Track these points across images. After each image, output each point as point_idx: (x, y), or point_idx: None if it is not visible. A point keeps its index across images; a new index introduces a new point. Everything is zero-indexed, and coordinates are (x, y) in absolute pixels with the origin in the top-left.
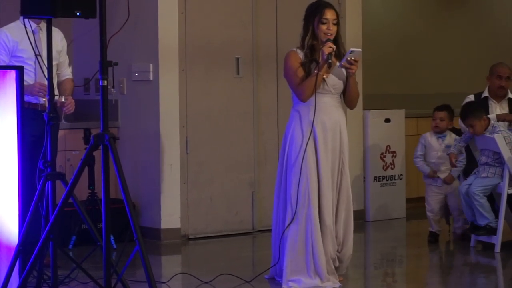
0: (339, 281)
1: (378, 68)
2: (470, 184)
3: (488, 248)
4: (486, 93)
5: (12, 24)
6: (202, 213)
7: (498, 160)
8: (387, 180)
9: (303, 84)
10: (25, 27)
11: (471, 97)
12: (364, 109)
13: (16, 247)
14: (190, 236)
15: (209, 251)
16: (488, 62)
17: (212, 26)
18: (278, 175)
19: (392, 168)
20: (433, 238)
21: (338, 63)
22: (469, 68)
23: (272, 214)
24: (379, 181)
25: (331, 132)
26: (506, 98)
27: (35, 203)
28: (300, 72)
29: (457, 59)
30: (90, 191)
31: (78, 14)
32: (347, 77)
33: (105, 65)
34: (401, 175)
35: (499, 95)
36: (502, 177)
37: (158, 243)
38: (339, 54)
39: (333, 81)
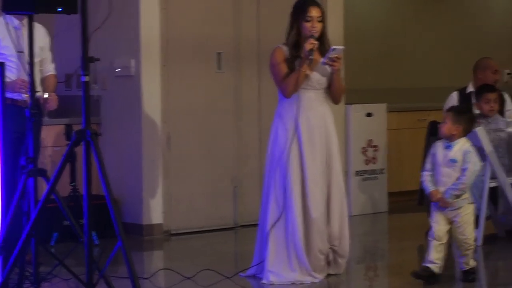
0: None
1: (359, 62)
2: None
3: None
4: (470, 88)
5: None
6: (184, 208)
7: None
8: (369, 175)
9: (286, 80)
10: (7, 24)
11: (454, 96)
12: (346, 103)
13: None
14: (172, 232)
15: (191, 247)
16: (470, 57)
17: (194, 21)
18: (265, 173)
19: (374, 163)
20: (425, 273)
21: (322, 59)
22: (451, 63)
23: (259, 212)
24: (361, 175)
25: (317, 127)
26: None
27: (17, 200)
28: (284, 69)
29: (439, 54)
30: (72, 187)
31: (59, 10)
32: (331, 73)
33: (86, 61)
34: (383, 169)
35: None
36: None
37: (140, 239)
38: (324, 50)
39: (317, 77)
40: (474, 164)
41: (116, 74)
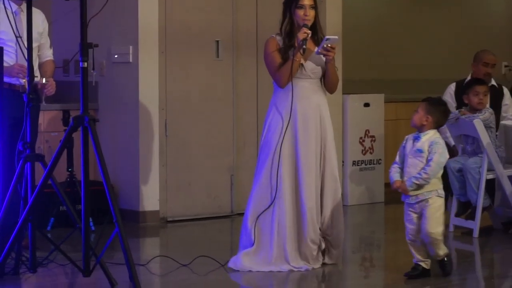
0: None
1: (357, 53)
2: (461, 162)
3: (466, 233)
4: (469, 79)
5: None
6: (181, 196)
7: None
8: (366, 165)
9: (280, 70)
10: (6, 8)
11: (451, 87)
12: (343, 93)
13: None
14: (169, 219)
15: (188, 234)
16: (468, 49)
17: (192, 8)
18: (258, 161)
19: (371, 153)
20: (415, 272)
21: (316, 49)
22: (450, 54)
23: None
24: (358, 165)
25: (311, 117)
26: (489, 85)
27: (14, 185)
28: (278, 58)
29: (437, 45)
30: (68, 173)
31: None
32: (326, 63)
33: (85, 47)
34: (380, 159)
35: None
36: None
37: (136, 226)
38: (317, 39)
39: (311, 66)
40: (440, 155)
41: (114, 61)
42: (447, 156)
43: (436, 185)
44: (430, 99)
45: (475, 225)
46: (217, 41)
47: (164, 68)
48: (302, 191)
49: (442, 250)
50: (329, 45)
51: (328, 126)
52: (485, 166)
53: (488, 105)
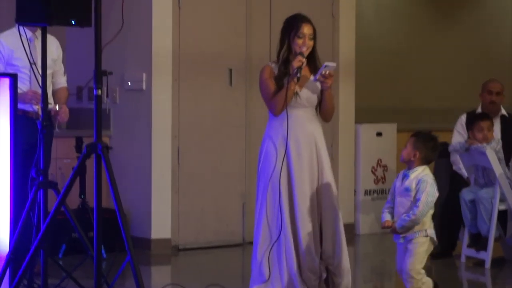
0: None
1: (370, 82)
2: (474, 192)
3: (478, 264)
4: (479, 110)
5: (7, 32)
6: (192, 224)
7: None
8: (378, 194)
9: (274, 98)
10: (21, 35)
11: (463, 119)
12: (356, 123)
13: (7, 255)
14: (181, 247)
15: (199, 262)
16: (482, 78)
17: (205, 36)
18: (257, 188)
19: (383, 182)
20: None
21: (312, 77)
22: (463, 83)
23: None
24: (370, 194)
25: (306, 145)
26: (499, 115)
27: (27, 212)
28: (272, 86)
29: (450, 74)
30: (81, 200)
31: (73, 22)
32: (322, 91)
33: (99, 75)
34: None
35: (491, 112)
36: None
37: (148, 253)
38: (315, 68)
39: (307, 94)
40: (428, 194)
41: (127, 88)
42: (436, 194)
43: (425, 225)
44: (418, 133)
45: (487, 255)
46: (230, 69)
47: (177, 95)
48: (297, 220)
49: None
50: (327, 72)
51: (324, 155)
52: (498, 197)
53: (499, 136)
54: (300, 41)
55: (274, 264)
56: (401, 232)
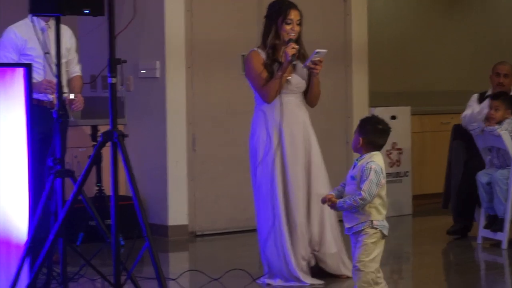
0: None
1: (383, 66)
2: (490, 174)
3: (495, 245)
4: (490, 92)
5: (20, 22)
6: (209, 210)
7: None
8: (393, 177)
9: (267, 85)
10: (34, 25)
11: (475, 96)
12: (370, 106)
13: (25, 244)
14: (197, 233)
15: (216, 248)
16: (494, 60)
17: (218, 23)
18: (252, 177)
19: (398, 165)
20: None
21: (301, 63)
22: (475, 66)
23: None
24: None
25: (298, 133)
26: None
27: (45, 200)
28: (264, 73)
29: (463, 57)
30: (97, 188)
31: (86, 12)
32: (309, 77)
33: (113, 63)
34: (407, 172)
35: None
36: None
37: (165, 240)
38: (300, 54)
39: (296, 80)
40: (370, 182)
41: (141, 76)
42: (382, 181)
43: (371, 216)
44: (362, 119)
45: (504, 236)
46: (243, 55)
47: (191, 83)
48: (293, 208)
49: None
50: (317, 58)
51: (313, 143)
52: None
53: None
54: (288, 27)
55: (273, 255)
56: (337, 210)
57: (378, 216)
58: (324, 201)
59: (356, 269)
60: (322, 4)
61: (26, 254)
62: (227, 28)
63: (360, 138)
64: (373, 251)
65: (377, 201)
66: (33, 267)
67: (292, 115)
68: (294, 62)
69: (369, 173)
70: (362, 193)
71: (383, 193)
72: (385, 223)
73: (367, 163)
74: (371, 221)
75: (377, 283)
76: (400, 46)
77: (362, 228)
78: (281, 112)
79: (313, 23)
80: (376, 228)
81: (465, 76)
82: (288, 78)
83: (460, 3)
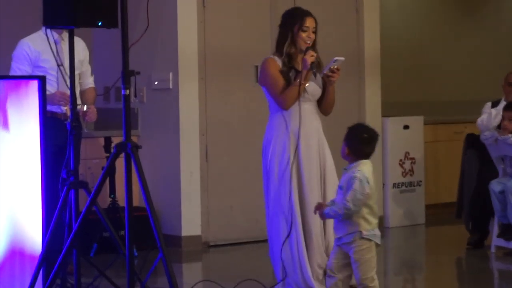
0: None
1: (396, 75)
2: (503, 183)
3: (509, 254)
4: (502, 100)
5: (34, 35)
6: (222, 220)
7: None
8: (406, 187)
9: (285, 93)
10: (47, 37)
11: (489, 104)
12: (383, 116)
13: (40, 255)
14: (211, 244)
15: (230, 259)
16: (507, 70)
17: (231, 34)
18: (266, 185)
19: (411, 175)
20: None
21: (317, 71)
22: (488, 75)
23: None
24: (398, 187)
25: (313, 141)
26: None
27: (59, 212)
28: (281, 80)
29: (475, 66)
30: (111, 199)
31: (99, 24)
32: (325, 85)
33: (127, 75)
34: (420, 181)
35: None
36: None
37: (178, 251)
38: (316, 62)
39: (313, 89)
40: (355, 191)
41: (154, 87)
42: (367, 191)
43: (360, 226)
44: (349, 127)
45: None
46: (256, 66)
47: (204, 94)
48: (309, 216)
49: None
50: (335, 66)
51: (327, 152)
52: None
53: None
54: (304, 35)
55: (289, 264)
56: (323, 217)
57: (367, 226)
58: (316, 209)
59: (365, 287)
60: (335, 14)
61: (40, 265)
62: (240, 39)
63: (346, 147)
64: (373, 263)
65: (364, 211)
66: (47, 278)
67: (308, 123)
68: (314, 70)
69: (354, 183)
70: (347, 202)
71: (371, 202)
72: (376, 232)
73: (353, 172)
74: (360, 231)
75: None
76: (412, 56)
77: (352, 239)
78: (300, 119)
79: (326, 33)
80: (368, 239)
81: (478, 85)
82: (305, 86)
83: (472, 12)
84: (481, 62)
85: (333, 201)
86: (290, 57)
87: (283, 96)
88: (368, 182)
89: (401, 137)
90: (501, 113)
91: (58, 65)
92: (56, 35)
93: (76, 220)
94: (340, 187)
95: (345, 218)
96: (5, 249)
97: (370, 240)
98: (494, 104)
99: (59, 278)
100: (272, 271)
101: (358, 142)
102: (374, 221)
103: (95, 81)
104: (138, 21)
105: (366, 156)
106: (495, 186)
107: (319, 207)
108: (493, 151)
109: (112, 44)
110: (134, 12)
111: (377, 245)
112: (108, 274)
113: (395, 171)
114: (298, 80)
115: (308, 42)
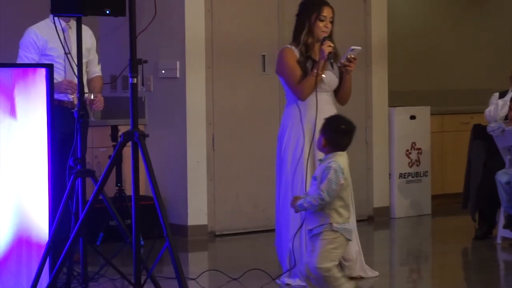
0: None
1: (403, 65)
2: (510, 174)
3: None
4: (510, 91)
5: (41, 23)
6: (228, 210)
7: None
8: (412, 177)
9: (302, 83)
10: (55, 26)
11: (496, 95)
12: (389, 106)
13: (46, 244)
14: (217, 233)
15: (236, 248)
16: None
17: (238, 23)
18: (278, 174)
19: (417, 165)
20: None
21: (334, 61)
22: (495, 65)
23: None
24: (404, 177)
25: None
26: None
27: (65, 200)
28: (298, 71)
29: (483, 56)
30: (118, 188)
31: (107, 12)
32: (342, 74)
33: (134, 63)
34: (427, 171)
35: None
36: None
37: (185, 240)
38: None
39: (329, 79)
40: (329, 181)
41: (161, 76)
42: (341, 181)
43: (331, 218)
44: (326, 119)
45: None
46: (263, 55)
47: (211, 83)
48: None
49: None
50: (352, 56)
51: None
52: None
53: None
54: (322, 24)
55: (297, 252)
56: (297, 210)
57: (338, 218)
58: (292, 202)
59: (321, 275)
60: (342, 4)
61: (46, 253)
62: (248, 28)
63: (323, 138)
64: (331, 256)
65: (337, 203)
66: (54, 266)
67: (324, 113)
68: (331, 60)
69: (328, 173)
70: (321, 192)
71: (345, 194)
72: (347, 226)
73: (328, 163)
74: (331, 223)
75: (341, 284)
76: (420, 46)
77: (322, 230)
78: (317, 109)
79: (334, 23)
80: (336, 231)
81: (485, 75)
82: (323, 76)
83: (480, 2)
84: (489, 51)
85: (307, 194)
86: (307, 47)
87: (300, 86)
88: (343, 173)
89: (408, 127)
90: (508, 103)
91: (66, 54)
92: (63, 23)
93: (83, 208)
94: (314, 178)
95: (319, 209)
96: (12, 237)
97: (337, 232)
98: (502, 95)
99: (66, 267)
100: (278, 260)
101: (336, 134)
102: (347, 214)
103: (102, 69)
104: (145, 9)
105: (343, 148)
106: (501, 177)
107: (295, 200)
108: (499, 142)
109: (119, 32)
110: (141, 0)
111: (346, 239)
112: (115, 263)
113: (401, 161)
114: (315, 71)
115: (325, 31)
